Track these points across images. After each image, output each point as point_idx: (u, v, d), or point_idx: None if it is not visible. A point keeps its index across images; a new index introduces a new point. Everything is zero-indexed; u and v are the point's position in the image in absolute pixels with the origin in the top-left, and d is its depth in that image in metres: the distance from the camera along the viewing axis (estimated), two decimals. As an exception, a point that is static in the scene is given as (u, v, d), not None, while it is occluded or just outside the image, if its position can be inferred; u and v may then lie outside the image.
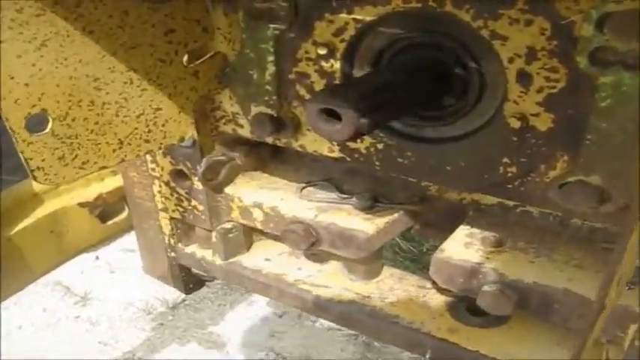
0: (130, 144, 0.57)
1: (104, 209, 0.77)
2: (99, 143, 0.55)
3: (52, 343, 1.18)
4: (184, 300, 1.27)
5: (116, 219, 0.79)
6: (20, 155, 0.50)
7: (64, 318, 1.25)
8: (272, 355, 1.18)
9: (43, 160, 0.54)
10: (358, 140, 0.55)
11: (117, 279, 1.36)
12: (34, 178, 0.50)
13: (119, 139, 0.56)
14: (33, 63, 0.53)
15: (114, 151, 0.56)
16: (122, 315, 1.26)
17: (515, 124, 0.50)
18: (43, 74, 0.53)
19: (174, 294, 1.33)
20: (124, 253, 1.43)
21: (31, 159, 0.51)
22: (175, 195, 0.71)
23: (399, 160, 0.55)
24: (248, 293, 1.29)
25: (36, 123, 0.51)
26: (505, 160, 0.49)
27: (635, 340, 0.49)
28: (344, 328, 1.16)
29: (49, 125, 0.53)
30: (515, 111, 0.50)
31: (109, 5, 0.55)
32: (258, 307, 1.29)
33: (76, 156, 0.54)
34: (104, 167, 0.56)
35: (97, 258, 1.36)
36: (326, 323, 1.20)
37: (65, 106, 0.52)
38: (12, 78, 0.53)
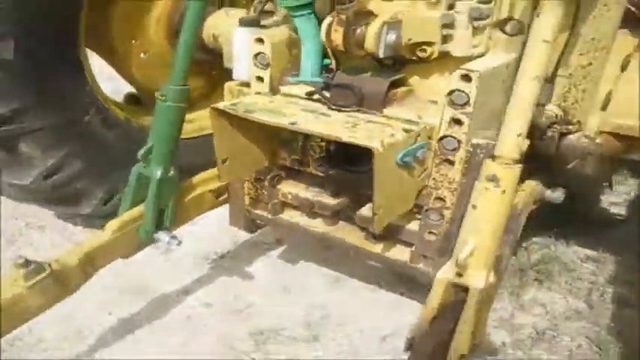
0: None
1: (218, 192, 1.74)
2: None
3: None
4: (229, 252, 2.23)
5: (221, 199, 1.77)
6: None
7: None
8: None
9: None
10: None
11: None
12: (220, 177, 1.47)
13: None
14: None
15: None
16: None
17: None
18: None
19: (223, 248, 2.28)
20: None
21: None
22: (254, 188, 1.68)
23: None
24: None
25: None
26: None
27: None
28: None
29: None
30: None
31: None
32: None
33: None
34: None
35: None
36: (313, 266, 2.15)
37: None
38: None
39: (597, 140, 1.38)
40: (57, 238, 2.36)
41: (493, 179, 1.06)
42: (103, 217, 1.70)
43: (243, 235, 2.32)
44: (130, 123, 2.17)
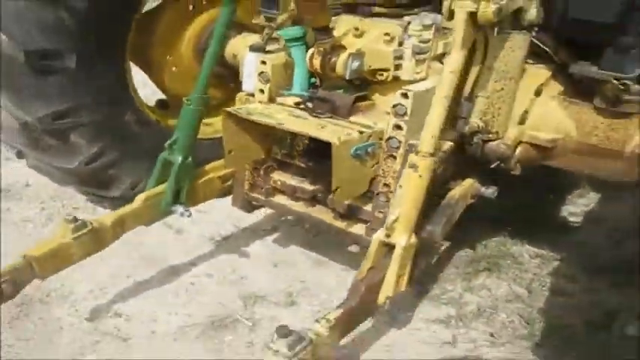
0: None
1: (224, 178, 2.25)
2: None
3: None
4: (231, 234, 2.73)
5: (226, 184, 2.27)
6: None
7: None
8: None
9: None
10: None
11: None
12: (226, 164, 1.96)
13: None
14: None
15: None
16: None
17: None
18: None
19: (226, 231, 2.77)
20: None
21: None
22: (252, 176, 2.17)
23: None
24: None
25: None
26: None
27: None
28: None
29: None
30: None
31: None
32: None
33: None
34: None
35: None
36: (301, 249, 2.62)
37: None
38: None
39: (512, 146, 1.85)
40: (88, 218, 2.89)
41: (413, 167, 1.53)
42: (129, 201, 2.14)
43: (244, 223, 2.82)
44: (158, 124, 2.69)
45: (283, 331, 1.41)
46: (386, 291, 1.59)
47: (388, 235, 1.57)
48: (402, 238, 1.56)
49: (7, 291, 1.73)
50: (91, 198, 2.89)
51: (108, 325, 2.14)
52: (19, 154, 2.59)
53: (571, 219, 3.01)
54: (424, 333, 2.19)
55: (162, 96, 2.96)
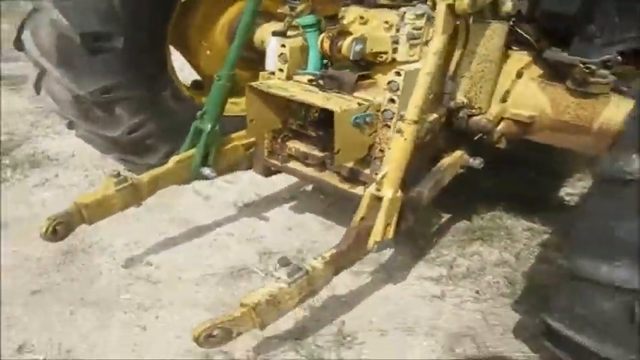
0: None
1: (247, 146, 2.62)
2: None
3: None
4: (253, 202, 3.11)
5: (248, 151, 2.64)
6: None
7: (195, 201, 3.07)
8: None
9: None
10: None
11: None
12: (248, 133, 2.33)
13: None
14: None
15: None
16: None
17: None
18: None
19: (249, 199, 3.14)
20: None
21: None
22: (270, 144, 2.53)
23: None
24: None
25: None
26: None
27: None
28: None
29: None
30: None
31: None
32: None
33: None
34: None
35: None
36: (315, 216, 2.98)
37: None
38: None
39: (493, 121, 2.16)
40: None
41: (400, 132, 1.87)
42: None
43: (265, 192, 3.20)
44: (193, 100, 3.09)
45: (284, 262, 1.78)
46: (374, 237, 1.93)
47: (378, 189, 1.91)
48: (389, 192, 1.89)
49: (61, 232, 2.14)
50: (129, 166, 3.31)
51: (140, 272, 2.53)
52: (70, 125, 3.01)
53: (567, 199, 3.28)
54: (416, 288, 2.51)
55: (198, 77, 3.35)
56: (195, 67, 3.28)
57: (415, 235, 2.82)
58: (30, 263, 2.54)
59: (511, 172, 3.37)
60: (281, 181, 3.33)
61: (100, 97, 2.69)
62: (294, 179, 3.37)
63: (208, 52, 3.20)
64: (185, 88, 3.11)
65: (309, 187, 3.34)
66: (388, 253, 2.71)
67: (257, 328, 1.73)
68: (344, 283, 2.47)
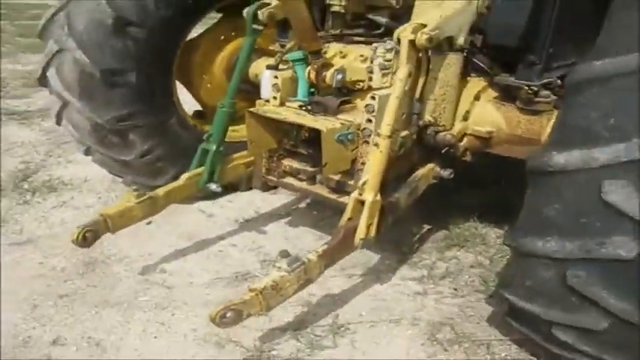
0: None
1: (247, 164, 3.04)
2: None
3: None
4: (252, 217, 3.50)
5: (249, 169, 3.05)
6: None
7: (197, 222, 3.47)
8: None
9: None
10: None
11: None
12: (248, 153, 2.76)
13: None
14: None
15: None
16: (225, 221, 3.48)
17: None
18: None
19: (248, 215, 3.54)
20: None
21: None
22: (268, 162, 2.94)
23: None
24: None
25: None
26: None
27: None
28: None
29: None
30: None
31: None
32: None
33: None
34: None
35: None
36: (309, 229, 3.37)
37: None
38: None
39: (457, 137, 2.59)
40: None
41: (376, 145, 2.29)
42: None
43: (263, 209, 3.61)
44: (196, 128, 3.52)
45: (284, 254, 2.17)
46: (359, 234, 2.33)
47: (360, 194, 2.32)
48: (370, 196, 2.30)
49: (89, 239, 2.52)
50: (138, 189, 3.70)
51: (155, 278, 2.90)
52: (87, 151, 3.43)
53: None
54: (401, 286, 2.90)
55: (199, 107, 3.79)
56: (197, 98, 3.72)
57: (399, 243, 3.22)
58: (55, 272, 2.91)
59: (484, 188, 3.79)
60: (277, 200, 3.75)
61: (116, 125, 3.11)
62: (289, 198, 3.80)
63: (208, 85, 3.64)
64: (189, 117, 3.54)
65: (303, 205, 3.75)
66: (376, 258, 3.10)
67: (263, 311, 2.10)
68: (337, 284, 2.86)
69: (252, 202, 3.72)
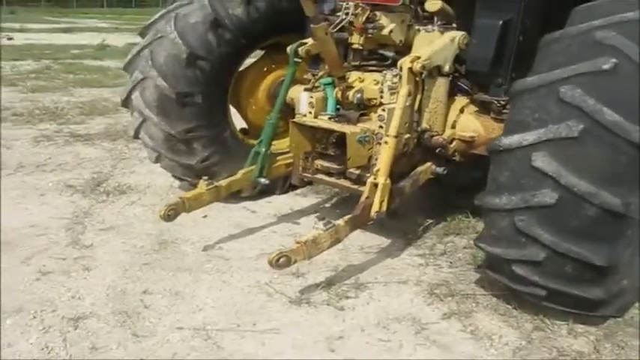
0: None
1: (288, 165, 4.03)
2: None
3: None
4: (288, 213, 4.47)
5: (289, 168, 4.05)
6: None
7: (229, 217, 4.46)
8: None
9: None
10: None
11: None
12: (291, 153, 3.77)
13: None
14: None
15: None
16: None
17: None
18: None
19: (285, 211, 4.51)
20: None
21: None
22: (304, 162, 3.93)
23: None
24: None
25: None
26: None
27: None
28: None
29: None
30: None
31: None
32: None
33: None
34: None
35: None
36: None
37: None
38: None
39: (447, 140, 3.59)
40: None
41: (386, 142, 3.27)
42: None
43: (297, 208, 4.58)
44: (242, 141, 4.54)
45: (321, 218, 3.15)
46: (374, 208, 3.29)
47: (375, 178, 3.29)
48: (382, 179, 3.26)
49: (172, 215, 3.51)
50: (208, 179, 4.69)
51: (215, 253, 3.84)
52: (157, 159, 4.45)
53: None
54: (408, 260, 3.82)
55: (245, 125, 4.84)
56: (244, 117, 4.75)
57: (407, 231, 4.16)
58: (136, 249, 3.86)
59: (475, 191, 4.74)
60: (306, 201, 4.74)
61: (185, 136, 4.13)
62: (316, 200, 4.78)
63: (253, 107, 4.68)
64: (237, 132, 4.58)
65: (328, 205, 4.72)
66: (387, 241, 4.04)
67: (305, 259, 3.04)
68: (357, 258, 3.78)
69: (287, 202, 4.70)
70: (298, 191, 4.90)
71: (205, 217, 4.32)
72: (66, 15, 35.07)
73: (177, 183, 4.91)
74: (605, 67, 2.46)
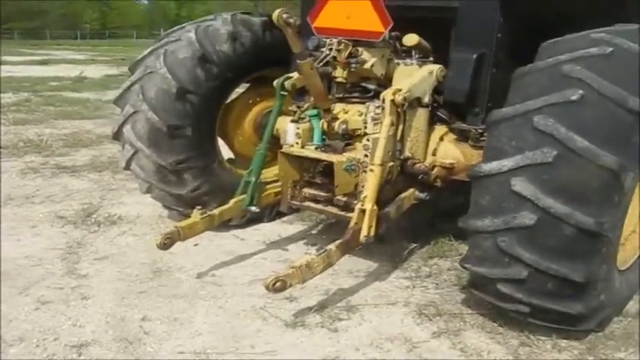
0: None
1: (277, 193, 4.16)
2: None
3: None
4: (277, 240, 4.59)
5: (277, 196, 4.18)
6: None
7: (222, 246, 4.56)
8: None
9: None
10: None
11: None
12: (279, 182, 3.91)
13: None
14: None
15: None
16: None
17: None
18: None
19: (273, 239, 4.62)
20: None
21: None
22: (292, 190, 4.07)
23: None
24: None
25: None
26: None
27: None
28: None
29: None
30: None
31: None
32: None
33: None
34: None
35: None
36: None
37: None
38: None
39: (429, 167, 3.76)
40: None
41: (371, 170, 3.44)
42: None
43: (284, 235, 4.70)
44: (230, 171, 4.67)
45: (311, 244, 3.27)
46: (363, 233, 3.43)
47: (362, 204, 3.44)
48: (369, 205, 3.41)
49: (168, 244, 3.61)
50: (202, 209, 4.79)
51: (208, 280, 3.93)
52: (148, 189, 4.54)
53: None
54: (395, 283, 3.95)
55: (232, 155, 4.97)
56: (231, 148, 4.89)
57: (393, 255, 4.31)
58: (131, 277, 3.93)
59: (457, 216, 4.92)
60: (293, 229, 4.86)
61: (175, 167, 4.25)
62: (302, 227, 4.90)
63: (240, 137, 4.82)
64: (225, 162, 4.70)
65: (314, 232, 4.85)
66: (375, 265, 4.18)
67: (300, 282, 3.16)
68: (347, 282, 3.90)
69: (274, 230, 4.82)
70: (285, 218, 5.02)
71: (197, 245, 4.42)
72: (41, 47, 34.96)
73: (165, 213, 4.99)
74: (573, 97, 2.67)
